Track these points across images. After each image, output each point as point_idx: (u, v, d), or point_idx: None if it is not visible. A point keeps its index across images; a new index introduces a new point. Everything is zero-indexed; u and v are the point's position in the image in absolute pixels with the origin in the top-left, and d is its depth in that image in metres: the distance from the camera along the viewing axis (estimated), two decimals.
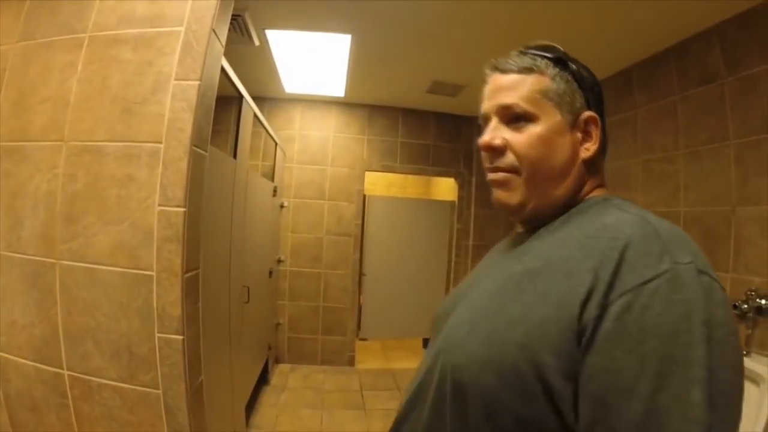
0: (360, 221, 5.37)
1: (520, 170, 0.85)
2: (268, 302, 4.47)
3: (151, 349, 1.63)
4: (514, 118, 0.86)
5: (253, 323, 3.47)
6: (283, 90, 4.85)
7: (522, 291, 0.73)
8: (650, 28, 2.89)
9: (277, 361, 5.19)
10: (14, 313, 1.78)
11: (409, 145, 5.44)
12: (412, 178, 7.58)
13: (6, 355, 1.81)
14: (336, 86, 4.66)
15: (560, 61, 0.88)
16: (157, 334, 1.62)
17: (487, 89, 0.92)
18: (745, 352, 2.36)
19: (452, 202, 5.71)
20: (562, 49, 0.92)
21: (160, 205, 1.61)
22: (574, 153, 0.86)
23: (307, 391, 4.50)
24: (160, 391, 1.65)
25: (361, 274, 5.42)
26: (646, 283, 0.61)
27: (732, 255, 2.58)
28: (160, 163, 1.61)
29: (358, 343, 5.55)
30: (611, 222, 0.73)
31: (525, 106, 0.84)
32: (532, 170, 0.84)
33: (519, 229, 0.99)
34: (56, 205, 1.70)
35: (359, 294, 5.46)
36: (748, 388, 2.31)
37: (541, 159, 0.84)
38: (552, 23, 2.89)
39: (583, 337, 0.63)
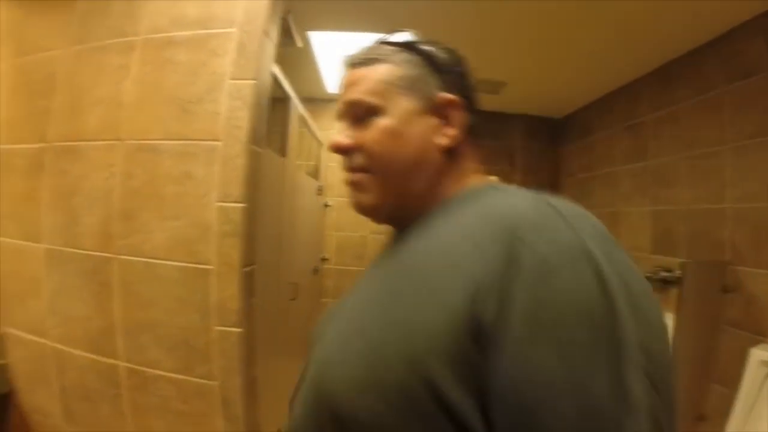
0: None
1: (371, 169, 0.80)
2: (313, 300, 4.52)
3: (209, 342, 1.68)
4: (362, 114, 0.79)
5: (298, 320, 3.51)
6: (325, 90, 4.88)
7: (399, 294, 0.63)
8: (690, 21, 2.85)
9: None
10: (71, 306, 1.86)
11: None
12: None
13: (62, 347, 1.89)
14: None
15: (409, 46, 0.83)
16: (215, 327, 1.67)
17: (341, 87, 0.85)
18: None
19: None
20: (414, 33, 0.86)
21: (218, 201, 1.66)
22: (430, 141, 0.79)
23: None
24: (217, 383, 1.69)
25: None
26: (546, 261, 0.52)
27: None
28: (219, 161, 1.66)
29: None
30: (498, 203, 0.65)
31: (369, 100, 0.78)
32: (382, 167, 0.79)
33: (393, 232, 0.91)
34: (113, 202, 1.76)
35: None
36: None
37: (389, 153, 0.78)
38: (592, 18, 2.87)
39: (480, 337, 0.51)
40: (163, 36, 1.77)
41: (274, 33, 1.88)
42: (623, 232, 4.02)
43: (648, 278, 3.37)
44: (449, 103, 0.80)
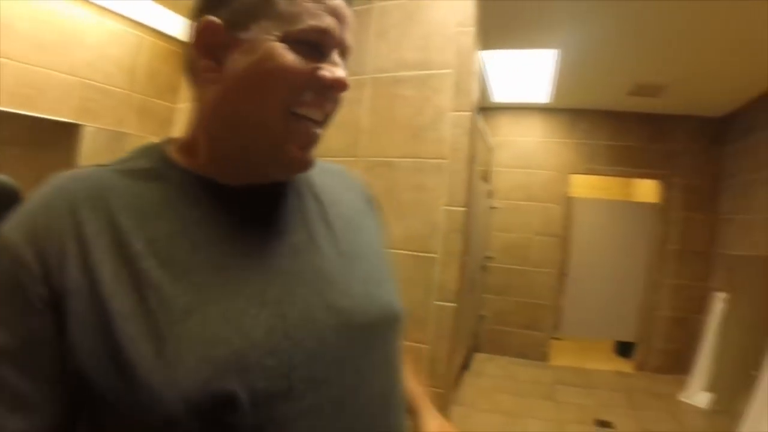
0: (565, 223, 5.59)
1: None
2: (477, 295, 4.88)
3: (427, 313, 2.16)
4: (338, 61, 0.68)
5: (465, 312, 3.85)
6: (490, 99, 5.24)
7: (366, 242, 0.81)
8: None
9: (476, 350, 5.58)
10: None
11: (611, 148, 5.48)
12: (612, 180, 7.27)
13: None
14: (540, 93, 4.94)
15: None
16: (434, 302, 2.15)
17: (332, 4, 0.64)
18: None
19: (654, 204, 5.60)
20: None
21: (445, 205, 2.14)
22: None
23: (503, 380, 4.89)
24: (428, 347, 2.16)
25: (563, 275, 5.65)
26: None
27: None
28: (445, 174, 2.15)
29: (551, 342, 5.74)
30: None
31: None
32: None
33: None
34: None
35: (560, 293, 5.70)
36: None
37: None
38: (752, 21, 2.97)
39: None
40: (389, 75, 2.27)
41: (477, 68, 2.33)
42: None
43: None
44: None
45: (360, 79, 2.33)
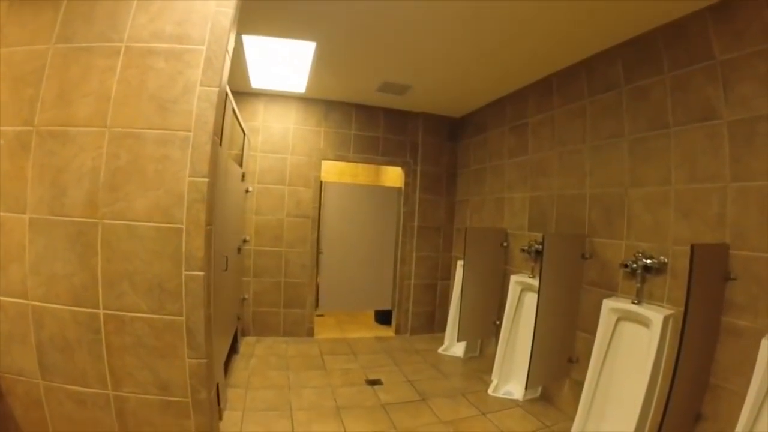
0: (317, 205, 5.88)
1: None
2: (236, 277, 4.91)
3: (179, 284, 2.16)
4: None
5: (227, 293, 3.92)
6: (249, 85, 5.28)
7: None
8: (566, 43, 3.52)
9: (243, 333, 5.63)
10: (55, 266, 2.20)
11: (361, 137, 6.01)
12: (362, 167, 8.11)
13: (43, 304, 2.22)
14: (297, 83, 5.12)
15: None
16: (184, 272, 2.16)
17: None
18: (636, 302, 3.04)
19: (399, 188, 6.30)
20: None
21: (190, 176, 2.15)
22: None
23: (273, 357, 4.99)
24: (183, 318, 2.17)
25: (318, 253, 5.94)
26: None
27: (625, 226, 3.26)
28: (190, 146, 2.15)
29: (315, 318, 6.03)
30: None
31: None
32: None
33: None
34: (100, 177, 2.17)
35: (317, 271, 5.99)
36: (640, 330, 2.97)
37: None
38: (481, 36, 3.48)
39: None
40: (144, 46, 2.21)
41: (231, 47, 2.36)
42: (507, 214, 4.82)
43: (525, 250, 4.14)
44: None
45: (114, 47, 2.22)
